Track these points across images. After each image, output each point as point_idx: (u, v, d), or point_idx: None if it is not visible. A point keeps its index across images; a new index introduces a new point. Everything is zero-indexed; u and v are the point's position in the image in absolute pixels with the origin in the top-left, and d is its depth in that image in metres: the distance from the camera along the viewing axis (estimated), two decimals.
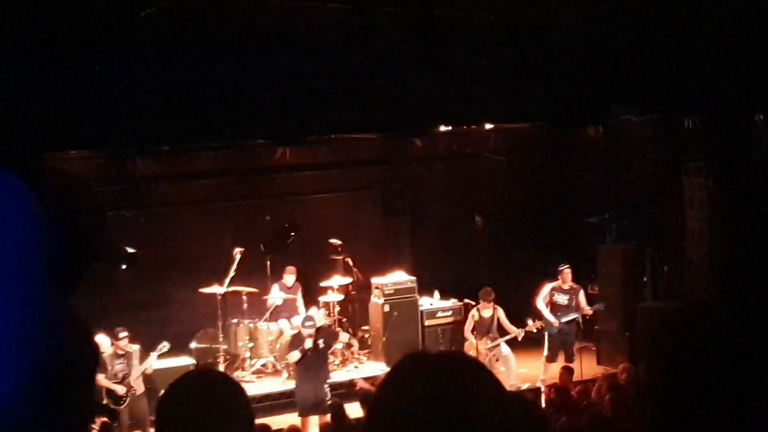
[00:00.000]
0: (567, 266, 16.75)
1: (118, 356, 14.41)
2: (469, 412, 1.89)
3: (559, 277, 16.72)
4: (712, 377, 2.41)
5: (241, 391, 2.91)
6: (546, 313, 16.53)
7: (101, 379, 14.21)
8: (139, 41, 13.64)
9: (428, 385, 1.92)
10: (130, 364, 14.44)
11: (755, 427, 2.42)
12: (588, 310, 16.62)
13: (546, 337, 16.61)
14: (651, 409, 2.60)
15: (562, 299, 16.64)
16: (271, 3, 13.65)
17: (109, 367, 14.32)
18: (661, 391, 2.54)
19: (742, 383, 2.41)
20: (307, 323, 15.01)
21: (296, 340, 15.14)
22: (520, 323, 16.60)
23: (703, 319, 2.56)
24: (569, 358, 16.32)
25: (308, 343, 14.44)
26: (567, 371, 14.76)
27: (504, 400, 1.99)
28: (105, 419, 13.69)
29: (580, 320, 16.74)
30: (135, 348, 14.63)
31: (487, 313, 16.48)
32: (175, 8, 13.26)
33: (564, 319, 16.45)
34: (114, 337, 14.46)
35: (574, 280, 16.83)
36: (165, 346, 14.96)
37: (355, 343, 17.95)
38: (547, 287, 16.76)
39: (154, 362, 14.76)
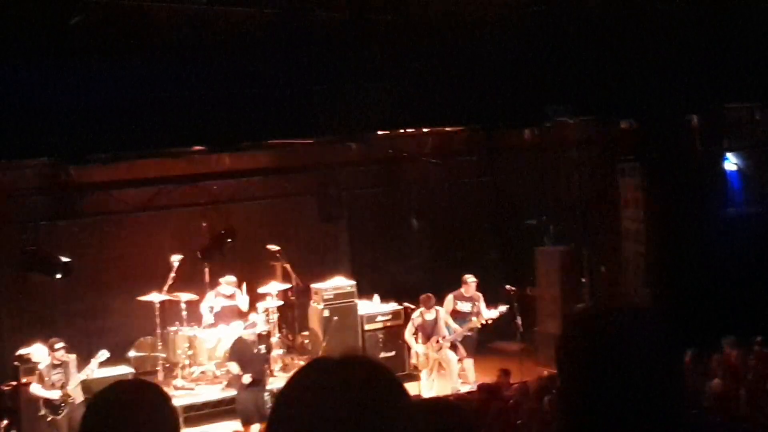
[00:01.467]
0: (470, 275, 17.01)
1: (55, 366, 14.31)
2: (368, 416, 1.89)
3: (463, 286, 16.88)
4: (619, 382, 2.40)
5: (167, 400, 2.89)
6: (450, 321, 16.68)
7: (38, 389, 14.14)
8: (73, 48, 13.50)
9: (328, 390, 1.91)
10: (68, 373, 14.34)
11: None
12: (490, 314, 16.73)
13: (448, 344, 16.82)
14: (560, 414, 2.59)
15: (464, 307, 16.85)
16: (202, 9, 13.56)
17: (46, 378, 14.22)
18: (568, 397, 2.53)
19: (650, 388, 2.40)
20: (250, 329, 15.00)
21: (237, 346, 15.11)
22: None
23: (612, 322, 2.54)
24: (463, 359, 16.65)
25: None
26: (504, 373, 14.87)
27: (410, 405, 1.99)
28: (6, 421, 13.67)
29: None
30: (72, 357, 14.56)
31: (429, 315, 16.53)
32: (109, 15, 13.14)
33: (464, 326, 16.62)
34: (50, 348, 14.40)
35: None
36: (104, 354, 14.84)
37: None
38: (450, 296, 16.94)
39: (94, 371, 14.65)
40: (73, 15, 12.76)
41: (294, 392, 1.97)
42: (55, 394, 14.15)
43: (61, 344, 14.36)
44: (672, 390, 2.42)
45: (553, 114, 17.66)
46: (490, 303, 16.86)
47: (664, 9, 15.24)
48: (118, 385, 2.99)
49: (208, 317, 17.34)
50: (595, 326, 2.54)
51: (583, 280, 17.98)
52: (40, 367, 14.40)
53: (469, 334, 16.70)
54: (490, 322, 16.80)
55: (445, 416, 2.67)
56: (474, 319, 16.69)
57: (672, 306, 15.53)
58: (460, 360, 16.66)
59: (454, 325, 16.61)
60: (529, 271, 18.35)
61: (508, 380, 14.72)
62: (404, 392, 2.01)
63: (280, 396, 1.99)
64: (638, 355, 2.42)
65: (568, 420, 2.53)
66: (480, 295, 16.94)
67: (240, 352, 14.96)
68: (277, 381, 16.03)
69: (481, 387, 14.54)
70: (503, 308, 16.82)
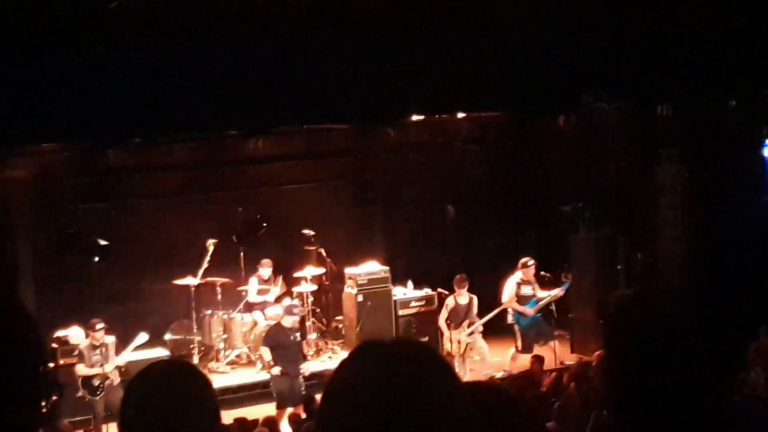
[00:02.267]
0: (529, 259, 16.88)
1: (95, 347, 14.51)
2: (421, 399, 1.90)
3: (522, 269, 16.76)
4: (668, 364, 2.41)
5: (207, 382, 2.91)
6: (517, 306, 16.58)
7: (80, 368, 14.37)
8: (110, 33, 13.57)
9: (381, 372, 1.93)
10: (107, 355, 14.51)
11: (712, 419, 2.42)
12: (557, 293, 16.68)
13: (518, 330, 16.65)
14: (607, 397, 2.59)
15: (527, 290, 16.74)
16: None
17: (86, 358, 14.41)
18: (617, 380, 2.54)
19: (701, 370, 2.41)
20: (296, 309, 15.12)
21: (273, 332, 15.17)
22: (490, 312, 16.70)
23: (661, 306, 2.56)
24: (550, 337, 16.47)
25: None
26: (538, 360, 14.82)
27: (459, 387, 2.00)
28: (54, 398, 13.81)
29: (554, 307, 16.79)
30: (111, 339, 14.76)
31: (462, 300, 16.49)
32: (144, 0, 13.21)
33: (535, 307, 16.54)
34: (90, 329, 14.63)
35: (547, 269, 16.93)
36: (143, 336, 15.02)
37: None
38: (512, 281, 16.80)
39: (132, 354, 14.81)
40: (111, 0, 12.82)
41: (346, 375, 1.99)
42: (96, 379, 14.32)
43: (101, 325, 14.58)
44: (717, 375, 2.43)
45: (590, 100, 17.59)
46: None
47: None
48: (158, 365, 3.01)
49: (254, 298, 17.44)
50: (643, 310, 2.56)
51: (619, 267, 17.89)
52: (81, 347, 14.60)
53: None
54: (557, 297, 16.83)
55: (490, 398, 2.68)
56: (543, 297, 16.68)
57: (708, 294, 15.43)
58: (544, 343, 16.61)
59: (519, 307, 16.59)
60: (564, 258, 18.28)
61: (541, 367, 14.69)
62: (454, 374, 2.02)
63: (332, 380, 2.01)
64: (685, 339, 2.43)
65: (615, 402, 2.54)
66: (536, 278, 16.96)
67: (274, 338, 14.99)
68: (311, 365, 16.08)
69: (517, 375, 14.51)
70: (566, 285, 16.80)
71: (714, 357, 2.47)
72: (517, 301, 16.66)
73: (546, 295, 16.68)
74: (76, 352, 14.70)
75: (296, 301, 16.87)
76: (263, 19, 14.18)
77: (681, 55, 15.84)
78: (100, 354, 14.47)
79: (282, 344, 14.91)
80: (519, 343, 16.63)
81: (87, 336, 14.69)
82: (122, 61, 14.34)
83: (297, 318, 15.33)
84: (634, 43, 16.01)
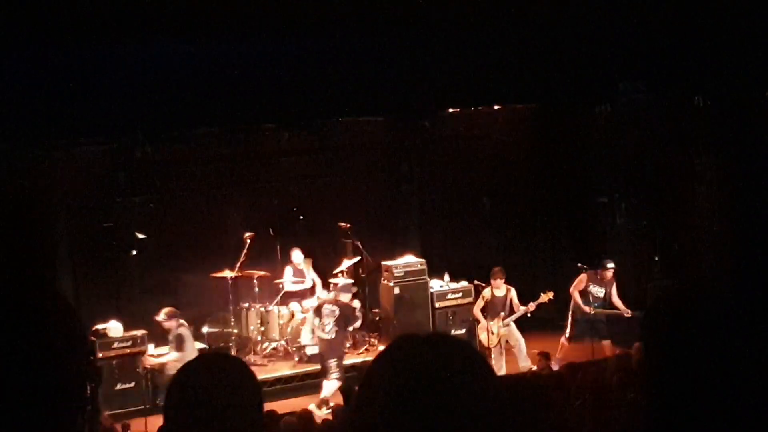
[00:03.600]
0: (609, 262, 16.49)
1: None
2: (455, 393, 1.90)
3: (599, 270, 16.45)
4: (709, 356, 2.39)
5: (251, 374, 2.93)
6: (578, 298, 16.34)
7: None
8: (145, 27, 13.64)
9: (416, 366, 1.93)
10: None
11: (755, 413, 2.40)
12: (620, 306, 16.30)
13: (571, 320, 16.44)
14: (646, 388, 2.58)
15: (596, 291, 16.42)
16: None
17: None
18: (657, 371, 2.53)
19: (742, 362, 2.39)
20: (345, 293, 15.38)
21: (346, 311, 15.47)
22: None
23: (702, 297, 2.55)
24: (601, 336, 16.16)
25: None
26: (543, 357, 14.67)
27: (494, 383, 2.00)
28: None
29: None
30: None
31: (499, 292, 16.41)
32: None
33: (596, 304, 16.25)
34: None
35: (585, 260, 16.71)
36: None
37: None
38: (583, 276, 16.53)
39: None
40: None
41: (382, 369, 2.00)
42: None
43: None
44: (759, 366, 2.42)
45: (627, 90, 17.51)
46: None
47: None
48: (203, 357, 3.04)
49: (290, 287, 17.53)
50: (681, 301, 2.55)
51: (656, 258, 17.80)
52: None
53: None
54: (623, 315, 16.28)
55: (522, 393, 2.69)
56: (532, 304, 16.40)
57: (747, 284, 15.34)
58: (596, 339, 16.19)
59: (520, 307, 16.39)
60: (601, 250, 18.19)
61: (548, 364, 14.60)
62: (489, 369, 2.03)
63: (368, 373, 2.02)
64: (725, 331, 2.42)
65: (654, 395, 2.53)
66: (614, 281, 16.41)
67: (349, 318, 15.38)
68: (348, 358, 16.12)
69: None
70: (627, 311, 16.39)
71: (755, 349, 2.46)
72: (583, 299, 16.49)
73: (616, 308, 16.29)
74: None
75: (326, 294, 16.91)
76: (299, 11, 14.20)
77: (718, 46, 15.74)
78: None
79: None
80: (568, 332, 16.48)
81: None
82: (158, 55, 14.41)
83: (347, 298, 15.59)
84: (671, 33, 15.92)
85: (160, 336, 15.32)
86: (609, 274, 16.32)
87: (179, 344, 14.79)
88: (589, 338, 16.25)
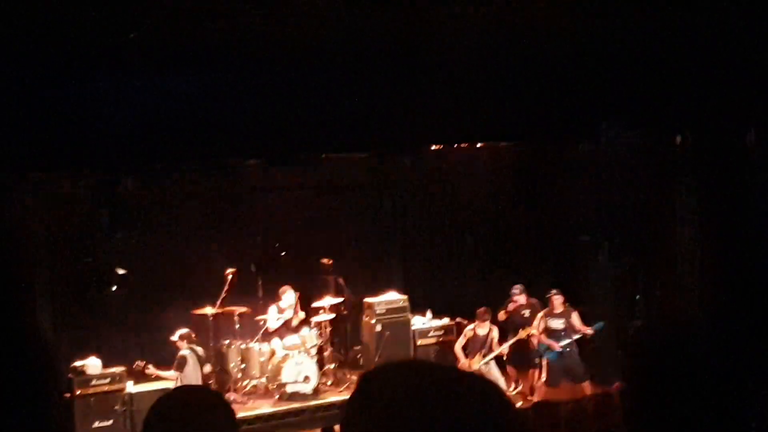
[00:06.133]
0: (555, 291, 16.59)
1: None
2: (432, 418, 1.88)
3: (549, 303, 16.55)
4: (692, 394, 2.39)
5: (229, 409, 2.91)
6: (544, 339, 16.34)
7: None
8: (128, 62, 13.63)
9: (390, 396, 1.91)
10: None
11: None
12: (588, 330, 16.37)
13: (545, 363, 16.43)
14: (629, 425, 2.58)
15: (556, 324, 16.43)
16: (258, 23, 13.63)
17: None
18: (640, 408, 2.52)
19: (724, 400, 2.39)
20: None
21: None
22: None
23: (683, 337, 2.54)
24: (579, 379, 16.15)
25: None
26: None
27: (469, 400, 1.98)
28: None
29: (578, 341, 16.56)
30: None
31: (482, 330, 16.48)
32: (163, 28, 13.24)
33: (563, 342, 16.26)
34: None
35: (566, 300, 16.71)
36: None
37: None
38: (539, 316, 16.58)
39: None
40: (132, 30, 12.87)
41: (358, 404, 1.97)
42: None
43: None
44: (738, 403, 2.41)
45: (608, 128, 17.56)
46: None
47: (720, 23, 15.08)
48: (180, 389, 3.02)
49: (274, 325, 17.40)
50: (658, 339, 2.55)
51: (638, 297, 17.80)
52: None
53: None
54: (587, 336, 16.42)
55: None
56: (521, 330, 16.52)
57: (726, 324, 15.33)
58: (573, 381, 16.31)
59: (546, 340, 16.37)
60: (583, 288, 18.19)
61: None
62: (459, 391, 2.00)
63: (346, 410, 2.00)
64: (702, 369, 2.42)
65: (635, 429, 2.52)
66: (572, 309, 16.49)
67: None
68: (329, 396, 16.05)
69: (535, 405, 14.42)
70: (599, 325, 16.49)
71: (731, 386, 2.45)
72: (546, 335, 16.42)
73: (578, 334, 16.35)
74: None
75: (307, 331, 16.88)
76: (282, 48, 14.22)
77: (700, 84, 15.81)
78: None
79: None
80: (544, 377, 16.45)
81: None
82: (141, 89, 14.39)
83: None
84: (653, 71, 15.98)
85: (139, 372, 15.23)
86: (559, 301, 16.37)
87: (178, 364, 15.28)
88: (569, 382, 16.25)
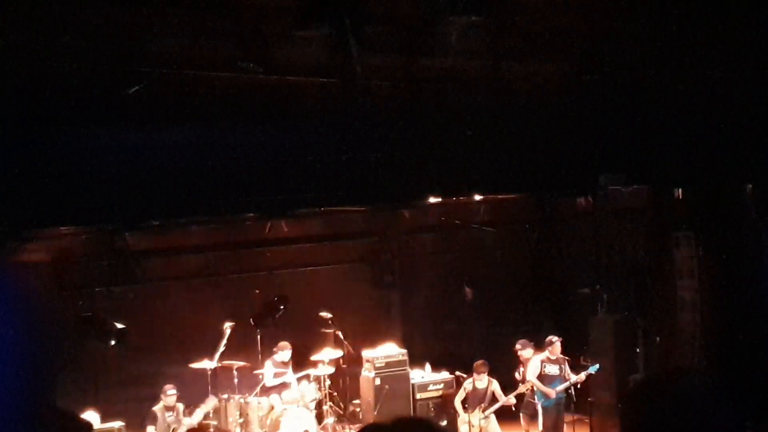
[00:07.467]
0: (557, 337, 16.66)
1: (168, 409, 15.79)
2: None
3: (547, 348, 16.61)
4: None
5: None
6: (541, 385, 16.38)
7: (150, 430, 15.63)
8: (127, 116, 13.67)
9: None
10: (179, 419, 15.79)
11: None
12: (581, 377, 16.40)
13: (540, 410, 16.46)
14: None
15: (552, 370, 16.50)
16: (258, 78, 13.71)
17: (160, 419, 15.61)
18: None
19: None
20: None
21: None
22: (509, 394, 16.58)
23: (682, 388, 2.54)
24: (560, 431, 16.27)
25: None
26: None
27: None
28: None
29: (573, 391, 16.60)
30: (180, 405, 16.00)
31: (481, 384, 16.44)
32: (162, 83, 13.31)
33: (559, 388, 16.32)
34: (163, 393, 15.87)
35: (565, 351, 16.74)
36: (212, 401, 16.21)
37: None
38: (536, 359, 16.63)
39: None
40: (130, 85, 12.94)
41: None
42: None
43: (173, 390, 15.89)
44: None
45: (606, 183, 17.59)
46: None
47: (717, 77, 15.16)
48: None
49: (271, 382, 17.31)
50: (657, 392, 2.55)
51: (638, 350, 17.76)
52: (155, 408, 15.80)
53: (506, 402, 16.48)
54: (578, 385, 16.48)
55: None
56: (521, 385, 16.54)
57: (728, 377, 15.30)
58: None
59: (503, 398, 16.44)
60: (582, 341, 18.16)
61: None
62: None
63: None
64: (700, 420, 2.41)
65: None
66: (565, 358, 16.58)
67: None
68: None
69: None
70: (594, 368, 16.53)
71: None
72: (542, 381, 16.45)
73: (574, 379, 16.41)
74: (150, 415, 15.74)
75: (306, 385, 16.82)
76: (280, 103, 14.29)
77: (698, 139, 15.86)
78: (173, 415, 15.73)
79: None
80: (541, 424, 16.45)
81: (160, 400, 15.85)
82: (140, 144, 14.42)
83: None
84: (652, 126, 16.05)
85: (137, 426, 15.15)
86: (557, 348, 16.41)
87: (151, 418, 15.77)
88: (561, 425, 16.28)
